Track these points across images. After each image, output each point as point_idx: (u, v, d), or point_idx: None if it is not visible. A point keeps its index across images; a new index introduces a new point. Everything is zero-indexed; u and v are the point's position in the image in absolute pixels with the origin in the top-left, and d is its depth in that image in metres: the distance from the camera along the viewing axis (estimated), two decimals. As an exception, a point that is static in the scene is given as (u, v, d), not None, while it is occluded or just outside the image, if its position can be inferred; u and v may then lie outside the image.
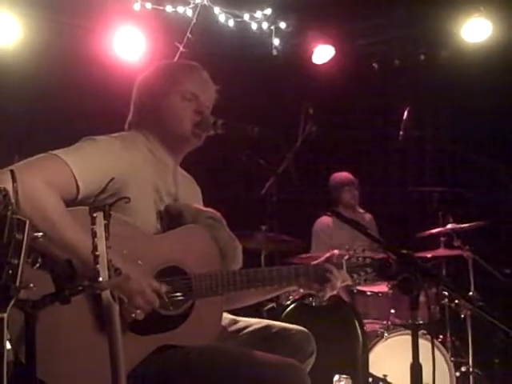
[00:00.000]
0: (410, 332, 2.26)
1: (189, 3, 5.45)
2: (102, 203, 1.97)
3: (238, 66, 5.89)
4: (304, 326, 2.77)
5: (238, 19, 5.73)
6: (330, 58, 6.26)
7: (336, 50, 6.23)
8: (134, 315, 2.26)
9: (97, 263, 1.86)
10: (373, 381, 4.34)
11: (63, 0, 5.04)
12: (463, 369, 4.94)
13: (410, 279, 2.19)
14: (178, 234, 2.52)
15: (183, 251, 2.49)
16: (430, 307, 4.61)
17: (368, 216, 6.14)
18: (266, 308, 4.41)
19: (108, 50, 5.40)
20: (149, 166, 2.59)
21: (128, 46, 5.44)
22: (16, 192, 1.63)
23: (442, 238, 5.27)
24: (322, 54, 6.24)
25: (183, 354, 2.37)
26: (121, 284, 2.05)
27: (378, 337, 4.57)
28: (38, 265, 1.81)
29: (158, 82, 2.73)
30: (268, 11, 5.83)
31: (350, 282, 2.81)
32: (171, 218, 2.58)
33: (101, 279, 1.86)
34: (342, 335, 4.31)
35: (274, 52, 6.00)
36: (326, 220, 5.86)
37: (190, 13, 5.46)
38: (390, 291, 4.77)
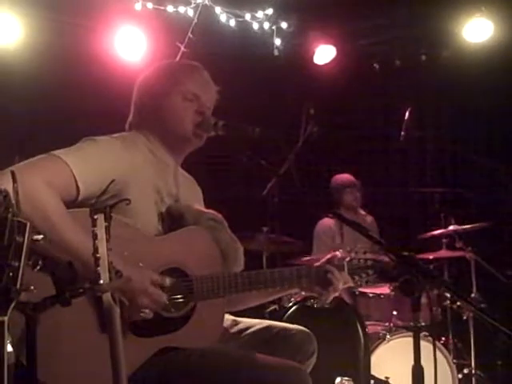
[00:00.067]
0: (412, 334, 2.23)
1: (190, 3, 5.44)
2: (103, 205, 1.96)
3: (240, 66, 5.88)
4: (306, 328, 2.76)
5: (240, 19, 5.71)
6: (332, 58, 6.25)
7: (337, 50, 6.22)
8: (142, 315, 2.25)
9: (98, 265, 1.85)
10: (375, 383, 4.33)
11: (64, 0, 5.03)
12: (465, 371, 4.94)
13: (411, 281, 2.18)
14: (180, 236, 2.51)
15: (184, 253, 2.48)
16: (431, 309, 4.61)
17: (369, 218, 6.12)
18: (268, 310, 4.41)
19: (109, 50, 5.40)
20: (149, 167, 2.58)
21: (129, 46, 5.43)
22: (16, 193, 1.62)
23: (444, 240, 5.25)
24: (324, 54, 6.23)
25: (184, 356, 2.36)
26: (122, 286, 2.04)
27: (379, 339, 4.57)
28: (38, 267, 1.80)
29: (159, 82, 2.72)
30: (269, 11, 5.81)
31: (351, 284, 2.80)
32: (172, 220, 2.57)
33: (102, 281, 1.85)
34: (343, 337, 4.30)
35: (276, 52, 5.99)
36: (327, 221, 5.85)
37: (191, 13, 5.45)
38: (392, 293, 4.76)
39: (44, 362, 1.99)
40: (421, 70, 6.68)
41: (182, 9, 5.44)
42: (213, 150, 2.81)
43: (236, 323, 2.76)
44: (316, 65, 6.28)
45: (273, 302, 4.40)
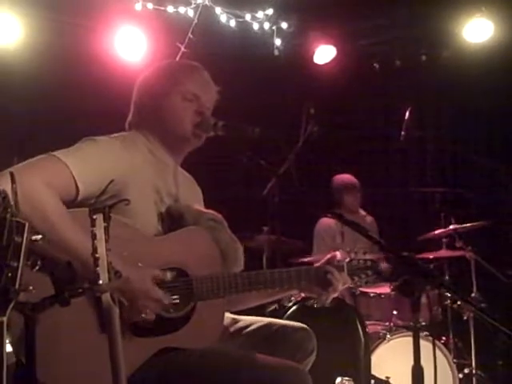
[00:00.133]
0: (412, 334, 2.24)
1: (190, 3, 5.44)
2: (102, 205, 1.96)
3: (240, 67, 5.88)
4: (306, 327, 2.77)
5: (240, 19, 5.71)
6: (332, 58, 6.25)
7: (337, 50, 6.22)
8: (144, 316, 2.25)
9: (97, 266, 1.84)
10: (375, 383, 4.33)
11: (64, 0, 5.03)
12: (466, 370, 4.94)
13: (411, 281, 2.18)
14: (179, 236, 2.51)
15: (184, 253, 2.48)
16: (431, 309, 4.61)
17: (369, 218, 6.12)
18: (269, 310, 4.40)
19: (109, 50, 5.40)
20: (149, 167, 2.58)
21: (129, 46, 5.43)
22: (15, 193, 1.62)
23: (444, 240, 5.25)
24: (324, 54, 6.23)
25: (184, 356, 2.36)
26: (121, 286, 2.04)
27: (380, 338, 4.56)
28: (37, 267, 1.80)
29: (159, 82, 2.72)
30: (270, 11, 5.81)
31: (351, 285, 2.80)
32: (172, 220, 2.57)
33: (101, 282, 1.85)
34: (344, 337, 4.30)
35: (276, 52, 5.99)
36: (327, 221, 5.84)
37: (191, 13, 5.45)
38: (393, 293, 4.76)
39: (43, 362, 1.99)
40: (421, 70, 6.68)
41: (182, 9, 5.44)
42: (213, 151, 2.81)
43: (236, 321, 2.76)
44: (316, 65, 6.28)
45: (273, 302, 4.40)
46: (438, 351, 4.45)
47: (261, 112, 5.82)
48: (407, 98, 6.32)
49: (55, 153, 2.32)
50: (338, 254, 2.78)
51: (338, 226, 5.67)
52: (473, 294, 5.08)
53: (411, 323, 2.30)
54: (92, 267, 1.87)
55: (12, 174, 1.73)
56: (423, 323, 4.52)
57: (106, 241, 1.87)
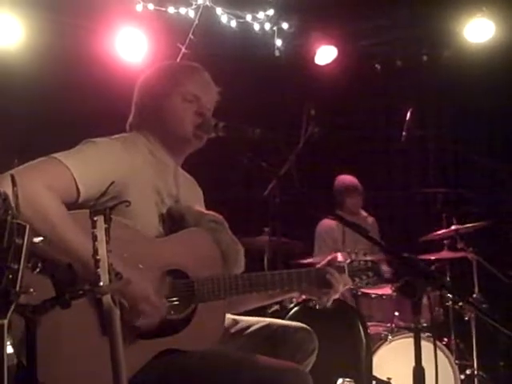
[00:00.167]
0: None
1: (191, 4, 5.44)
2: (103, 206, 1.96)
3: (241, 67, 5.88)
4: (307, 327, 2.77)
5: (241, 20, 5.71)
6: (333, 58, 6.25)
7: (338, 50, 6.22)
8: (138, 323, 2.25)
9: (97, 267, 1.84)
10: (376, 384, 4.33)
11: (65, 1, 5.02)
12: (468, 371, 4.93)
13: (412, 283, 2.18)
14: (180, 238, 2.51)
15: (185, 254, 2.48)
16: (432, 310, 4.61)
17: (371, 219, 6.12)
18: (270, 311, 4.40)
19: (110, 51, 5.40)
20: (149, 168, 2.58)
21: (130, 47, 5.43)
22: (16, 196, 1.62)
23: (446, 241, 5.25)
24: (325, 54, 6.23)
25: (184, 358, 2.36)
26: (122, 288, 2.03)
27: (381, 339, 4.56)
28: (38, 269, 1.80)
29: (160, 82, 2.72)
30: (270, 12, 5.81)
31: (351, 286, 2.80)
32: (173, 221, 2.57)
33: (101, 283, 1.84)
34: (345, 338, 4.30)
35: (277, 53, 5.99)
36: (329, 222, 5.84)
37: (192, 14, 5.45)
38: (394, 294, 4.76)
39: (44, 364, 2.00)
40: (422, 70, 6.68)
41: (182, 10, 5.44)
42: (213, 151, 2.81)
43: (236, 322, 2.76)
44: (317, 65, 6.28)
45: (274, 303, 4.40)
46: (439, 352, 4.44)
47: (261, 113, 5.82)
48: (408, 99, 6.33)
49: (56, 155, 2.31)
50: (339, 256, 2.78)
51: (339, 228, 5.66)
52: (474, 295, 5.07)
53: (412, 324, 2.30)
54: (93, 269, 1.87)
55: (13, 177, 1.73)
56: (425, 324, 4.52)
57: (107, 242, 1.87)
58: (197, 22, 5.41)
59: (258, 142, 2.59)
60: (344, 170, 6.16)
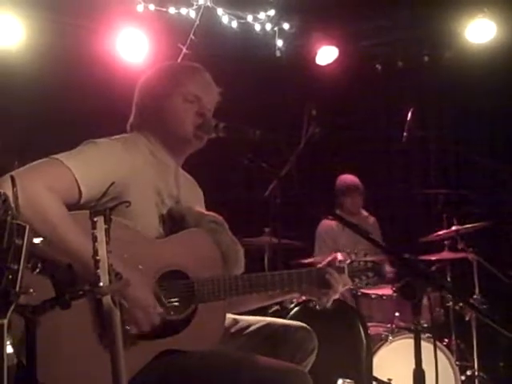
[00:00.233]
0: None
1: (192, 5, 5.44)
2: (103, 207, 1.96)
3: (242, 68, 5.89)
4: (307, 327, 2.77)
5: (242, 20, 5.71)
6: (334, 59, 6.25)
7: (339, 51, 6.22)
8: (127, 327, 2.24)
9: (97, 268, 1.84)
10: (377, 384, 4.32)
11: (66, 1, 5.02)
12: (468, 372, 4.93)
13: (412, 284, 2.17)
14: (181, 238, 2.51)
15: (185, 255, 2.48)
16: (432, 311, 4.60)
17: (371, 219, 6.12)
18: (271, 311, 4.40)
19: (111, 52, 5.40)
20: (150, 168, 2.58)
21: (131, 48, 5.43)
22: (16, 197, 1.62)
23: (446, 241, 5.25)
24: (326, 55, 6.23)
25: (184, 358, 2.36)
26: (122, 289, 2.03)
27: (382, 340, 4.56)
28: (37, 270, 1.80)
29: (161, 83, 2.72)
30: (271, 12, 5.81)
31: (351, 286, 2.80)
32: (174, 222, 2.57)
33: (101, 284, 1.85)
34: (345, 338, 4.29)
35: (278, 53, 5.99)
36: (329, 223, 5.83)
37: (193, 14, 5.45)
38: (395, 294, 4.75)
39: (44, 364, 2.00)
40: (423, 71, 6.69)
41: (183, 10, 5.44)
42: (214, 152, 2.81)
43: (236, 322, 2.76)
44: (318, 66, 6.28)
45: (275, 303, 4.40)
46: (440, 353, 4.44)
47: (262, 113, 5.83)
48: (409, 99, 6.34)
49: (57, 156, 2.32)
50: (339, 256, 2.78)
51: (340, 228, 5.66)
52: (475, 296, 5.07)
53: (412, 325, 2.30)
54: (93, 269, 1.87)
55: (13, 178, 1.73)
56: (425, 325, 4.52)
57: (107, 243, 1.87)
58: (198, 22, 5.40)
59: (258, 142, 2.59)
60: (345, 170, 6.16)
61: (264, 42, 5.91)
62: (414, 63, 6.66)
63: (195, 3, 5.43)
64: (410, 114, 5.27)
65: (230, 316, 2.75)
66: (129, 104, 2.79)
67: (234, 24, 5.68)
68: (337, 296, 2.75)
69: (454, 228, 5.21)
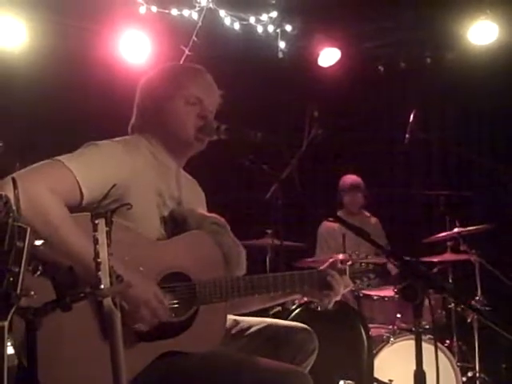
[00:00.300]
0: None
1: (194, 6, 5.45)
2: (105, 209, 1.96)
3: (244, 69, 5.89)
4: (308, 328, 2.77)
5: (244, 22, 5.72)
6: (336, 60, 6.26)
7: (342, 52, 6.23)
8: (137, 326, 2.25)
9: (98, 270, 1.85)
10: (378, 386, 4.33)
11: (69, 3, 5.02)
12: (470, 374, 4.93)
13: (413, 286, 2.17)
14: (182, 240, 2.52)
15: (187, 257, 2.48)
16: (433, 312, 4.60)
17: (374, 219, 6.13)
18: (272, 312, 4.41)
19: (114, 53, 5.42)
20: (151, 170, 2.58)
21: (134, 49, 5.45)
22: (17, 199, 1.63)
23: (449, 243, 5.25)
24: (328, 56, 6.24)
25: (185, 359, 2.36)
26: (123, 291, 2.04)
27: (383, 341, 4.56)
28: (38, 272, 1.81)
29: (162, 84, 2.71)
30: (274, 14, 5.82)
31: (353, 288, 2.80)
32: (175, 224, 2.57)
33: (102, 286, 1.85)
34: (346, 340, 4.30)
35: (280, 55, 6.00)
36: (330, 224, 5.83)
37: (195, 16, 5.45)
38: (396, 295, 4.75)
39: (45, 365, 2.00)
40: (426, 72, 6.69)
41: (186, 12, 5.45)
42: (215, 154, 2.81)
43: (237, 323, 2.77)
44: (320, 67, 6.29)
45: (276, 305, 4.40)
46: (441, 354, 4.44)
47: (264, 115, 5.83)
48: (412, 101, 6.34)
49: (59, 158, 2.32)
50: (340, 257, 2.79)
51: (341, 229, 5.66)
52: (477, 297, 5.07)
53: (414, 327, 2.30)
54: (94, 271, 1.88)
55: (14, 180, 1.74)
56: (427, 326, 4.52)
57: (108, 245, 1.87)
58: (200, 24, 5.41)
59: (260, 144, 2.59)
60: (347, 171, 6.17)
61: (266, 43, 5.91)
62: (417, 65, 6.66)
63: (197, 5, 5.44)
64: (412, 116, 5.27)
65: (230, 317, 2.75)
66: (131, 105, 2.79)
67: (237, 26, 5.68)
68: (338, 298, 2.75)
69: (456, 230, 5.21)
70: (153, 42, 5.46)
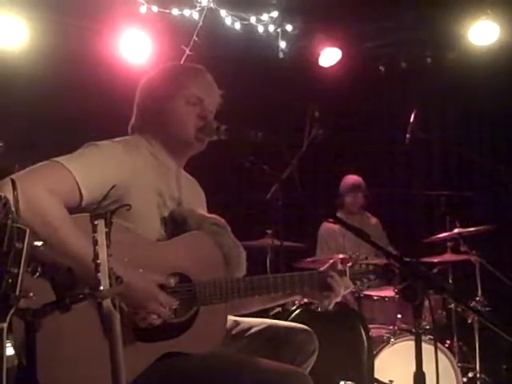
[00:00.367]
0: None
1: (195, 6, 5.44)
2: (104, 210, 1.96)
3: (244, 69, 5.88)
4: (308, 329, 2.77)
5: (245, 22, 5.71)
6: (337, 60, 6.26)
7: (343, 52, 6.22)
8: (150, 320, 2.26)
9: (98, 271, 1.84)
10: (378, 386, 4.32)
11: (70, 2, 5.02)
12: (470, 374, 4.93)
13: (413, 287, 2.17)
14: (182, 241, 2.51)
15: (187, 258, 2.48)
16: (432, 313, 4.60)
17: (374, 220, 6.13)
18: (272, 313, 4.41)
19: (114, 53, 5.41)
20: (151, 171, 2.58)
21: (134, 49, 5.44)
22: (16, 200, 1.62)
23: (449, 243, 5.25)
24: (329, 56, 6.24)
25: (185, 360, 2.36)
26: (122, 292, 2.03)
27: (384, 342, 4.56)
28: (37, 274, 1.80)
29: (163, 84, 2.71)
30: (274, 14, 5.81)
31: (353, 289, 2.80)
32: (175, 224, 2.57)
33: (102, 287, 1.85)
34: (347, 340, 4.30)
35: (281, 55, 6.00)
36: (331, 224, 5.83)
37: (196, 16, 5.45)
38: (397, 296, 4.75)
39: (45, 366, 2.00)
40: (426, 72, 6.69)
41: (187, 12, 5.44)
42: (215, 154, 2.81)
43: (237, 324, 2.77)
44: (321, 67, 6.28)
45: (277, 305, 4.40)
46: (442, 355, 4.44)
47: (265, 115, 5.83)
48: (412, 101, 6.34)
49: (58, 159, 2.32)
50: (340, 257, 2.79)
51: (342, 230, 5.66)
52: (477, 298, 5.06)
53: (414, 328, 2.30)
54: (93, 273, 1.87)
55: (13, 181, 1.74)
56: (427, 327, 4.52)
57: (108, 246, 1.87)
58: (201, 23, 5.40)
59: (260, 144, 2.58)
60: (348, 171, 6.17)
61: (267, 43, 5.91)
62: (418, 65, 6.66)
63: (198, 5, 5.44)
64: (412, 116, 5.27)
65: (231, 318, 2.75)
66: (131, 105, 2.78)
67: (237, 25, 5.68)
68: (339, 299, 2.75)
69: (456, 230, 5.21)
70: (153, 41, 5.45)
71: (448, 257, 5.24)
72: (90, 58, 5.22)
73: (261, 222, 4.88)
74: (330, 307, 2.75)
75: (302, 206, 3.64)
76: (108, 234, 1.87)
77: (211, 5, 5.47)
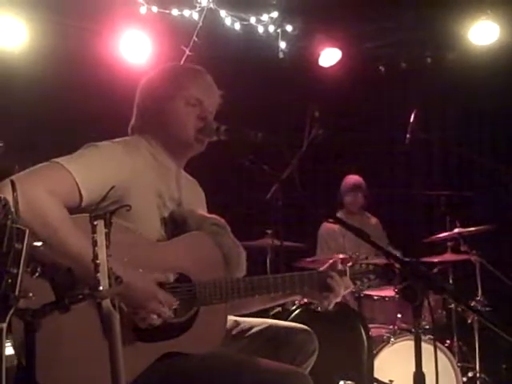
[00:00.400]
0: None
1: (195, 6, 5.44)
2: (104, 211, 1.96)
3: (244, 69, 5.88)
4: (308, 329, 2.77)
5: (245, 22, 5.71)
6: (337, 60, 6.26)
7: (343, 52, 6.23)
8: (150, 320, 2.26)
9: (97, 272, 1.84)
10: (378, 386, 4.32)
11: (70, 3, 5.02)
12: (470, 374, 4.93)
13: (413, 287, 2.17)
14: (182, 241, 2.51)
15: (187, 258, 2.48)
16: (432, 312, 4.60)
17: (374, 220, 6.13)
18: (272, 313, 4.41)
19: (114, 53, 5.41)
20: (151, 171, 2.58)
21: (134, 50, 5.44)
22: (16, 201, 1.62)
23: (449, 243, 5.25)
24: (329, 56, 6.24)
25: (185, 360, 2.36)
26: (122, 292, 2.03)
27: (384, 342, 4.56)
28: (37, 274, 1.80)
29: (163, 85, 2.71)
30: (274, 14, 5.81)
31: (353, 289, 2.80)
32: (175, 225, 2.57)
33: (101, 288, 1.85)
34: (346, 340, 4.30)
35: (281, 55, 6.00)
36: (331, 225, 5.84)
37: (196, 16, 5.45)
38: (397, 295, 4.75)
39: (44, 366, 2.00)
40: (426, 72, 6.69)
41: (186, 12, 5.44)
42: (215, 155, 2.81)
43: (238, 324, 2.77)
44: (321, 67, 6.29)
45: (276, 305, 4.40)
46: (441, 354, 4.44)
47: (265, 115, 5.83)
48: (412, 101, 6.33)
49: (58, 160, 2.32)
50: (340, 257, 2.79)
51: (342, 230, 5.66)
52: (477, 298, 5.07)
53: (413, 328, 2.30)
54: (93, 273, 1.87)
55: (13, 182, 1.74)
56: (427, 327, 4.52)
57: (107, 247, 1.87)
58: (201, 24, 5.40)
59: (260, 145, 2.59)
60: (348, 171, 6.17)
61: (267, 43, 5.91)
62: (418, 65, 6.66)
63: (198, 5, 5.44)
64: (412, 116, 5.27)
65: (231, 318, 2.75)
66: (131, 106, 2.78)
67: (237, 26, 5.68)
68: (339, 299, 2.75)
69: (456, 230, 5.21)
70: (153, 42, 5.45)
71: (448, 257, 5.25)
72: (89, 59, 5.22)
73: (261, 222, 4.88)
74: (330, 307, 2.75)
75: (302, 206, 3.63)
76: (107, 235, 1.87)
77: (211, 5, 5.47)
